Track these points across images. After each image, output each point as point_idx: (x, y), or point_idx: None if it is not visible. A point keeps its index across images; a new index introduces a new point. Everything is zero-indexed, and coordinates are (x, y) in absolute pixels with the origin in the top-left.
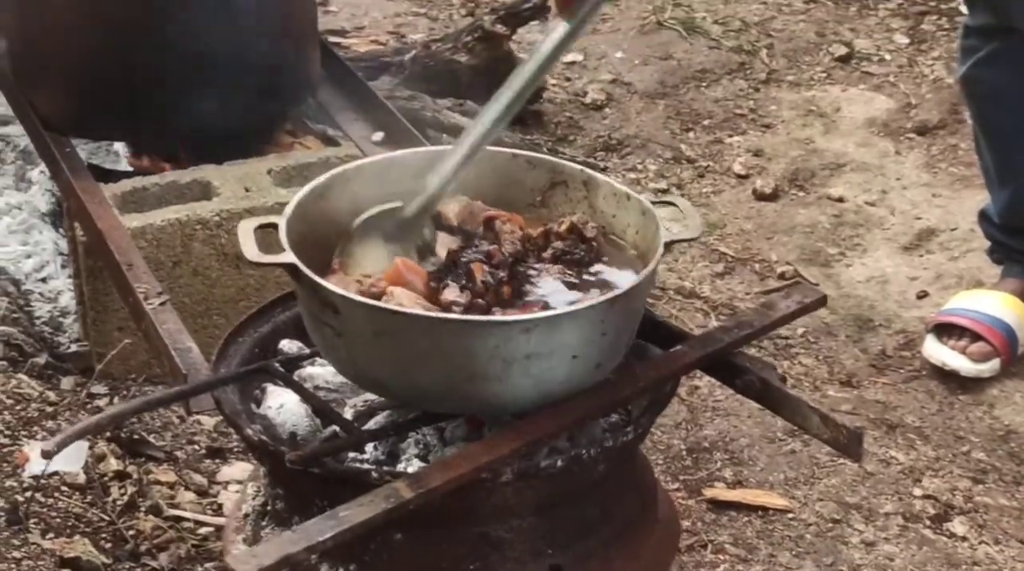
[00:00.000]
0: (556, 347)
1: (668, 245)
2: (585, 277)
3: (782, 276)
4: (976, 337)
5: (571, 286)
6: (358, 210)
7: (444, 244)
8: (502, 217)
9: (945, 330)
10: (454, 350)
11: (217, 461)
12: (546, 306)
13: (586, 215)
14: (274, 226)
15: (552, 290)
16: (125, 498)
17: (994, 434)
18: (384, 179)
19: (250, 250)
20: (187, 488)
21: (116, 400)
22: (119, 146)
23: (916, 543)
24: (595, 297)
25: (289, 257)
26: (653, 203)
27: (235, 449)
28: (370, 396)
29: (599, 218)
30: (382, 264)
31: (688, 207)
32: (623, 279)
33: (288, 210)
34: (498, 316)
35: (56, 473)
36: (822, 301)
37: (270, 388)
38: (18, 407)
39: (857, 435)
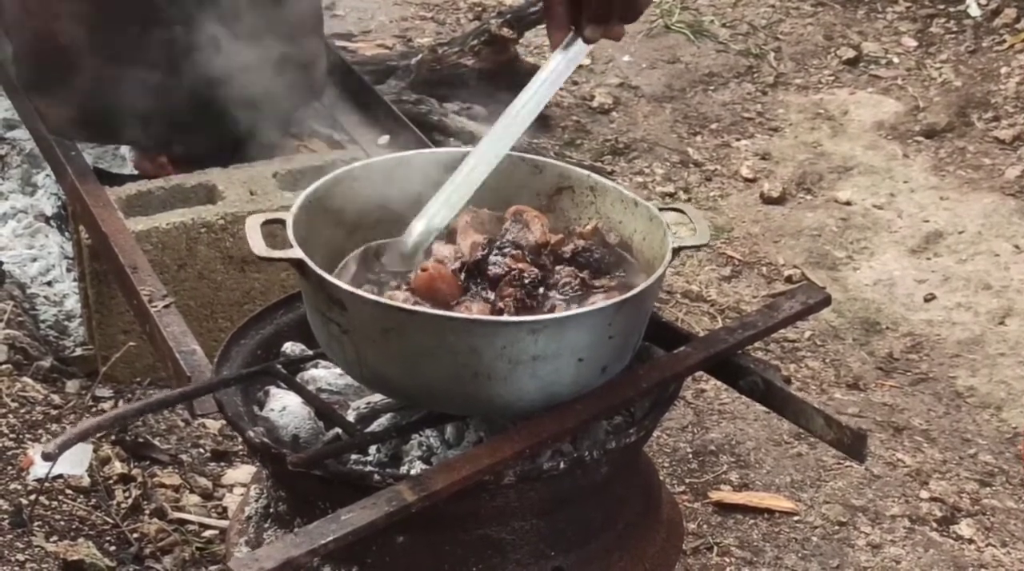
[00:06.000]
0: (563, 349)
1: (676, 251)
2: (596, 282)
3: (789, 279)
4: None
5: (583, 289)
6: (365, 209)
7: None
8: (529, 211)
9: None
10: (460, 349)
11: (222, 464)
12: (553, 309)
13: (592, 220)
14: (281, 222)
15: (563, 292)
16: (129, 501)
17: (1001, 436)
18: (391, 179)
19: (257, 245)
20: (192, 491)
21: (120, 403)
22: (124, 150)
23: (923, 545)
24: (603, 300)
25: (296, 253)
26: (660, 209)
27: (240, 452)
28: (373, 398)
29: (605, 223)
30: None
31: (696, 213)
32: (630, 284)
33: (295, 206)
34: (506, 317)
35: (60, 476)
36: (826, 301)
37: (273, 391)
38: (23, 410)
39: (861, 436)
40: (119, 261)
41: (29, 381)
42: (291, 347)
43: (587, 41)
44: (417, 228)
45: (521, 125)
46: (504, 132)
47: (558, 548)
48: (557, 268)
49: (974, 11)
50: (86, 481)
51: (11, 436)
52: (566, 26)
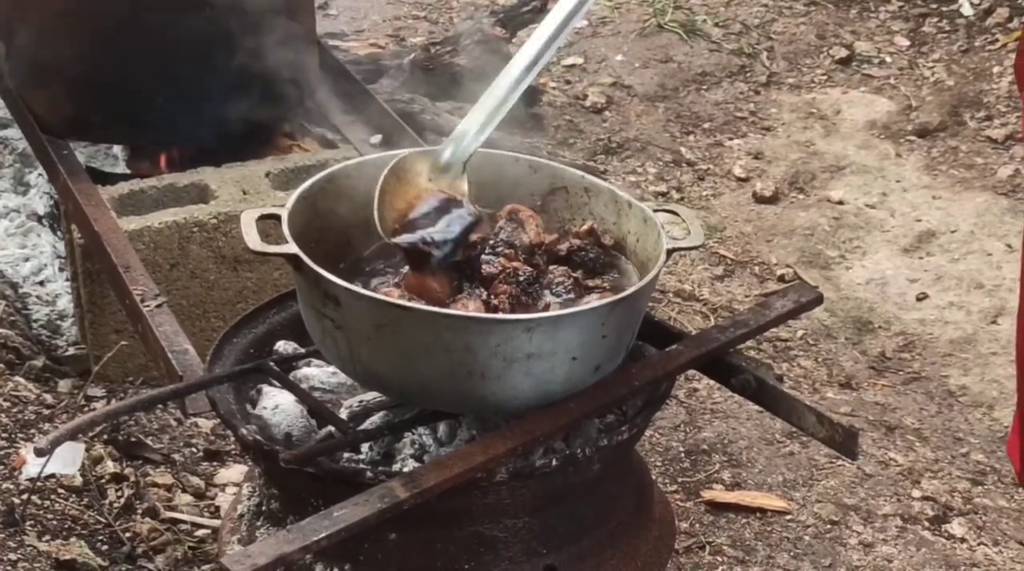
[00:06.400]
0: (557, 348)
1: (670, 253)
2: (590, 282)
3: (782, 278)
4: None
5: (576, 288)
6: (358, 207)
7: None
8: (524, 210)
9: None
10: (455, 346)
11: (215, 464)
12: (547, 307)
13: (587, 221)
14: (276, 218)
15: (556, 292)
16: (122, 500)
17: (993, 435)
18: None
19: (252, 239)
20: (184, 490)
21: (113, 402)
22: (117, 149)
23: (915, 544)
24: (597, 300)
25: (291, 248)
26: (655, 211)
27: (233, 452)
28: (365, 396)
29: (600, 224)
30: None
31: (690, 215)
32: (624, 284)
33: (290, 202)
34: (501, 314)
35: (53, 475)
36: (818, 300)
37: (265, 389)
38: (15, 410)
39: (853, 433)
40: (111, 260)
41: (21, 380)
42: (284, 346)
43: None
44: (448, 148)
45: (544, 57)
46: (527, 61)
47: (550, 546)
48: (551, 267)
49: (967, 10)
50: (78, 480)
51: (3, 436)
52: None
